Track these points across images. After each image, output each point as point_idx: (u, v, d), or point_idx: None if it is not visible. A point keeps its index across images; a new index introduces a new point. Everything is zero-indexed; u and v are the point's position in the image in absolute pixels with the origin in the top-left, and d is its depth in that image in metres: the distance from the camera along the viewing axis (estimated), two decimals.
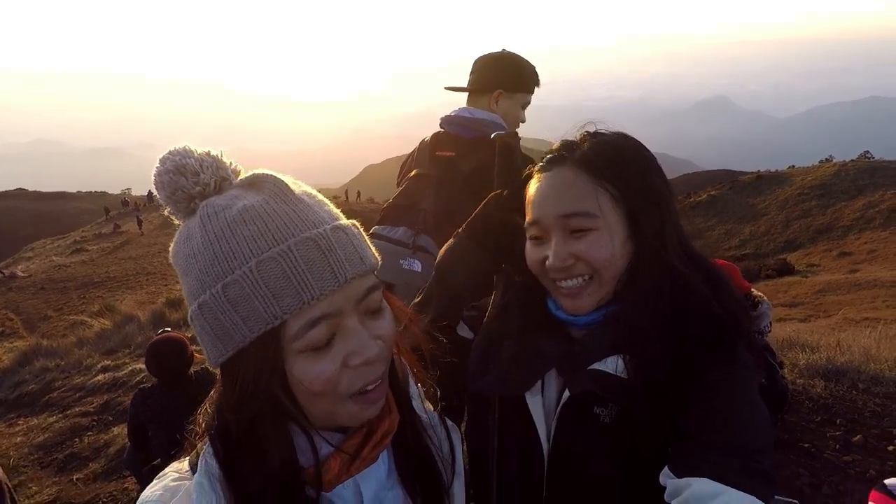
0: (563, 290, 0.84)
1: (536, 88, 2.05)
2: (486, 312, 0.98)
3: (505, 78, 1.96)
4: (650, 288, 0.81)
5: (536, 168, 0.89)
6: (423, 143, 2.06)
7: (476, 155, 1.85)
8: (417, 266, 1.82)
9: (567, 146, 0.86)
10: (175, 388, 2.77)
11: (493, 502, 0.91)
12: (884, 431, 2.79)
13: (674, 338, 0.78)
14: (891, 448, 2.67)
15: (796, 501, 1.57)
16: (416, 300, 1.16)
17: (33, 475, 4.72)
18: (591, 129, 0.88)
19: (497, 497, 0.91)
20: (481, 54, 2.02)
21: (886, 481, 1.18)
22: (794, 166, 46.77)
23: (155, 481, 0.63)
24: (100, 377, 6.53)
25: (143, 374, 5.98)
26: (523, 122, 2.09)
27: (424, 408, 0.79)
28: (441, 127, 2.00)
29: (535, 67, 2.01)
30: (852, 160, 42.52)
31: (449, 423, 0.82)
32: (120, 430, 4.94)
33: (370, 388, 0.62)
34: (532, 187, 0.88)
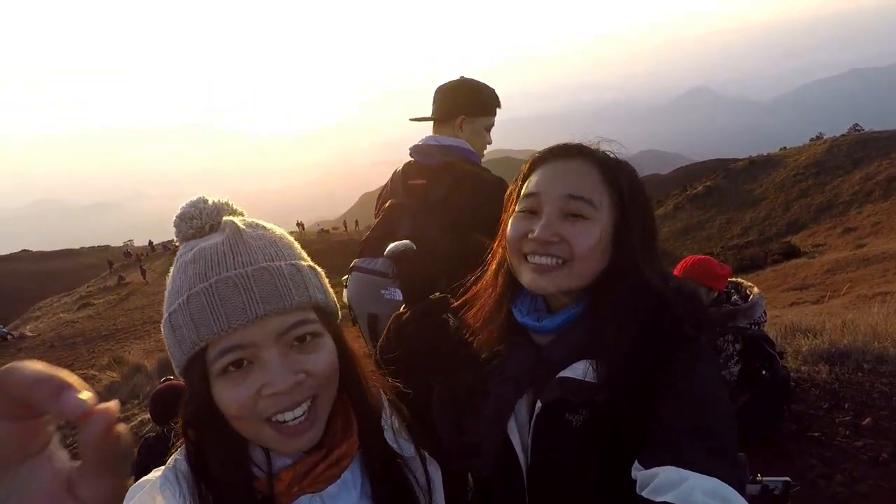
0: (531, 264, 0.86)
1: (498, 109, 2.09)
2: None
3: (466, 104, 2.00)
4: (625, 296, 0.83)
5: (542, 155, 0.93)
6: (395, 173, 2.09)
7: (445, 181, 1.88)
8: (398, 295, 1.83)
9: (582, 145, 0.91)
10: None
11: None
12: (893, 411, 2.74)
13: (638, 335, 0.80)
14: None
15: (788, 479, 1.54)
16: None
17: None
18: (605, 146, 0.93)
19: None
20: (440, 83, 2.06)
21: None
22: (785, 148, 46.81)
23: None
24: None
25: (151, 424, 5.94)
26: (490, 143, 2.13)
27: (399, 440, 0.81)
28: (410, 156, 2.04)
29: (493, 90, 2.06)
30: (843, 135, 42.58)
31: (427, 456, 0.83)
32: (131, 482, 4.90)
33: (289, 420, 0.66)
34: (539, 170, 0.91)
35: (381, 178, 2.22)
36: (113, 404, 0.35)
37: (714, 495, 0.62)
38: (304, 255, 0.77)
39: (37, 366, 0.33)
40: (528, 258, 0.86)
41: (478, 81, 2.04)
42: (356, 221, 63.85)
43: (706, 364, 0.80)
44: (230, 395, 0.65)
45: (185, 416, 0.69)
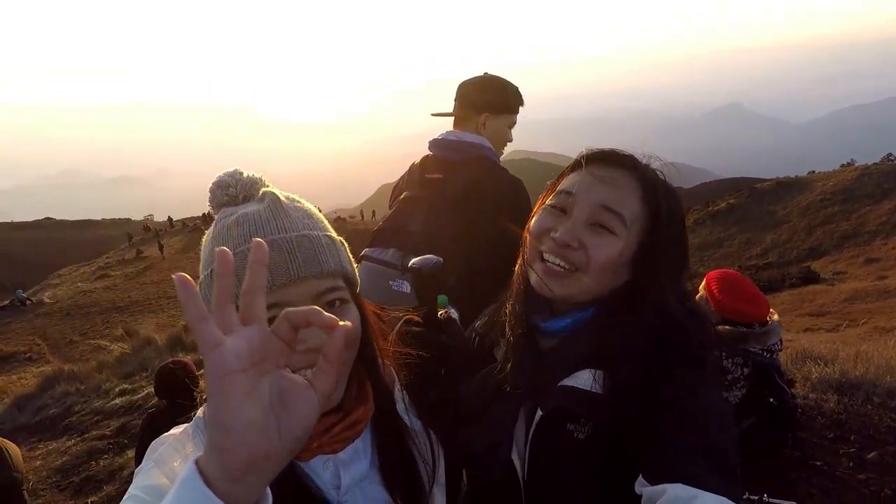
0: (545, 264, 0.85)
1: (521, 108, 2.09)
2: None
3: (490, 101, 2.00)
4: (638, 313, 0.82)
5: (590, 155, 0.88)
6: (413, 166, 2.10)
7: (464, 177, 1.89)
8: (406, 287, 1.84)
9: (633, 157, 0.87)
10: (181, 411, 2.83)
11: None
12: None
13: (646, 352, 0.79)
14: None
15: (794, 503, 1.51)
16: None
17: (51, 498, 4.81)
18: (656, 163, 0.89)
19: None
20: (463, 79, 2.07)
21: None
22: (814, 172, 45.77)
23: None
24: (117, 401, 6.66)
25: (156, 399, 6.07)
26: (510, 141, 2.12)
27: (409, 414, 0.84)
28: (429, 150, 2.04)
29: (517, 88, 2.05)
30: (875, 164, 41.41)
31: (433, 435, 0.85)
32: (134, 454, 5.01)
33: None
34: (582, 170, 0.87)
35: (401, 171, 2.24)
36: (348, 324, 0.50)
37: None
38: (332, 229, 0.82)
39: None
40: (544, 255, 0.85)
41: (502, 78, 2.04)
42: (373, 212, 64.13)
43: (712, 383, 0.79)
44: None
45: None
